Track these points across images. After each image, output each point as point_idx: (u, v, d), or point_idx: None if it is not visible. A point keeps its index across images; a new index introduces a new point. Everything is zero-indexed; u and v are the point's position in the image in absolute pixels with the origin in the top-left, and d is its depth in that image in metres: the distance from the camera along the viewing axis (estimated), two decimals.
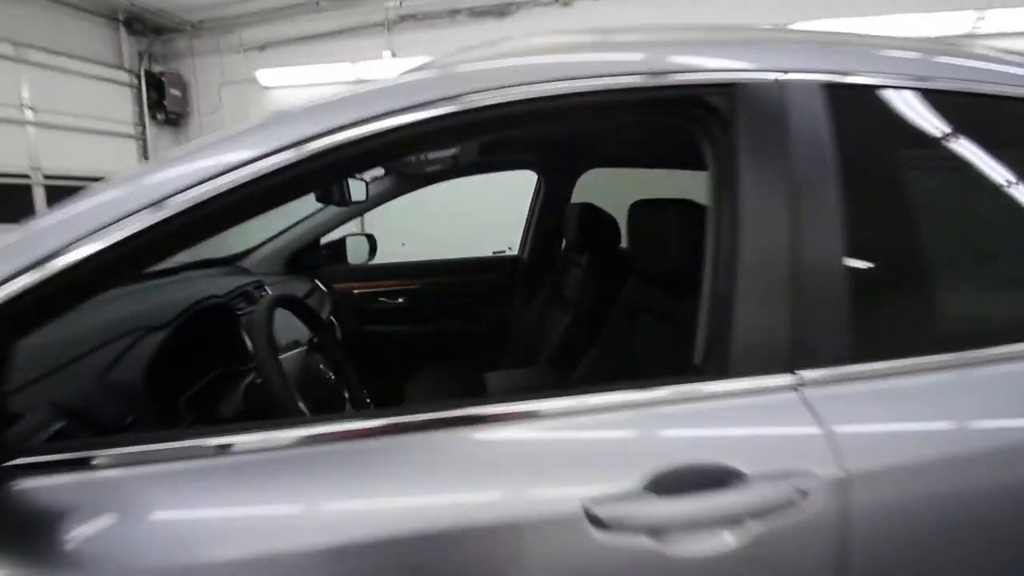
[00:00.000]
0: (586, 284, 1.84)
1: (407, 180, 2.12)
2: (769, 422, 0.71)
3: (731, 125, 0.76)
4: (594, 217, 1.88)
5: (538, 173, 2.30)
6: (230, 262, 2.09)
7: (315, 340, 1.22)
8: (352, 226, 6.01)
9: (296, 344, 1.19)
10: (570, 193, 2.31)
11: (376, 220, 6.08)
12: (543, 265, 2.40)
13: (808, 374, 0.72)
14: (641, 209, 1.16)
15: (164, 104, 5.41)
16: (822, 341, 0.74)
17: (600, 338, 1.47)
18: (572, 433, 0.69)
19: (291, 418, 0.67)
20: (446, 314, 2.43)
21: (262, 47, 5.05)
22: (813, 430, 0.68)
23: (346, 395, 1.16)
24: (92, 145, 5.20)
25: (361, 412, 0.87)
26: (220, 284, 1.47)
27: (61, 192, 5.11)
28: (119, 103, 5.36)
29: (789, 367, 0.72)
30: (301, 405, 0.94)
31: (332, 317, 2.12)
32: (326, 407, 1.05)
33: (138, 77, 5.32)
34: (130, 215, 0.58)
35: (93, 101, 5.11)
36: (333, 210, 2.12)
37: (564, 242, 2.20)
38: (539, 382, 1.66)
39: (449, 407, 0.66)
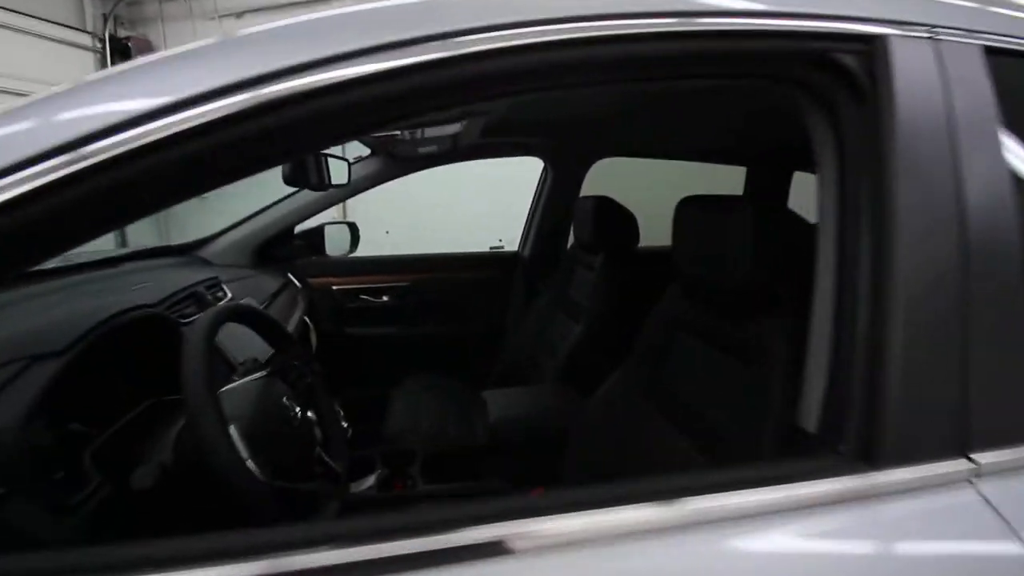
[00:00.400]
0: (600, 289, 1.60)
1: (396, 163, 1.85)
2: (941, 533, 0.48)
3: (872, 95, 0.53)
4: (612, 213, 1.64)
5: (545, 160, 2.03)
6: (185, 251, 1.80)
7: (279, 362, 0.96)
8: (334, 212, 5.69)
9: (255, 366, 0.92)
10: (580, 184, 2.06)
11: (359, 205, 5.79)
12: (546, 264, 2.15)
13: (986, 458, 0.50)
14: (697, 207, 0.92)
15: None
16: (1008, 409, 0.52)
17: (621, 355, 1.23)
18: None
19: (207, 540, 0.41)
20: (436, 316, 2.17)
21: (239, 14, 4.66)
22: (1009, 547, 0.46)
23: (318, 435, 0.91)
24: None
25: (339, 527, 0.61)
26: (163, 281, 1.19)
27: None
28: (81, 69, 4.95)
29: (960, 448, 0.50)
30: (250, 465, 0.69)
31: (307, 318, 1.85)
32: (289, 459, 0.79)
33: (102, 41, 4.89)
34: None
35: (52, 66, 4.68)
36: (310, 193, 1.84)
37: (572, 239, 1.95)
38: (547, 403, 1.42)
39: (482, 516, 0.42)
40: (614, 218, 1.62)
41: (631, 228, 1.65)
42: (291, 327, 1.63)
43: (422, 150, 1.60)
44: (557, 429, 1.30)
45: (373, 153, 1.82)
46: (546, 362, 1.76)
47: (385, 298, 2.10)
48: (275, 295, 1.63)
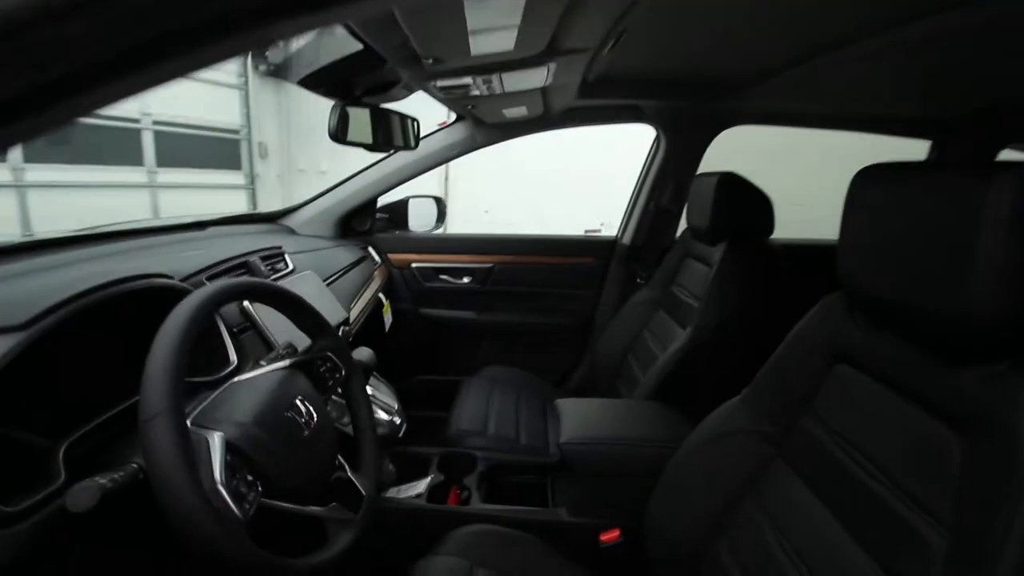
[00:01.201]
0: (716, 289, 1.27)
1: (486, 130, 1.65)
2: None
3: None
4: (740, 193, 1.29)
5: (658, 126, 1.70)
6: (272, 219, 1.77)
7: (310, 352, 0.80)
8: (436, 189, 5.74)
9: (287, 354, 0.77)
10: (699, 157, 1.71)
11: (460, 184, 5.76)
12: (649, 253, 1.83)
13: None
14: (903, 180, 0.60)
15: (266, 55, 5.38)
16: None
17: (738, 377, 0.92)
18: None
19: None
20: (519, 303, 1.96)
21: None
22: None
23: (338, 446, 0.74)
24: (197, 93, 5.33)
25: None
26: (219, 248, 1.11)
27: (167, 138, 5.30)
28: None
29: None
30: (220, 490, 0.53)
31: (381, 295, 1.75)
32: (291, 478, 0.63)
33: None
34: None
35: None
36: (394, 163, 1.71)
37: (685, 225, 1.62)
38: (636, 424, 1.14)
39: None
40: (743, 200, 1.27)
41: (765, 214, 1.29)
42: (361, 302, 1.52)
43: (509, 112, 1.37)
44: (645, 459, 1.03)
45: (459, 119, 1.64)
46: (640, 370, 1.47)
47: (466, 279, 1.93)
48: (347, 268, 1.53)
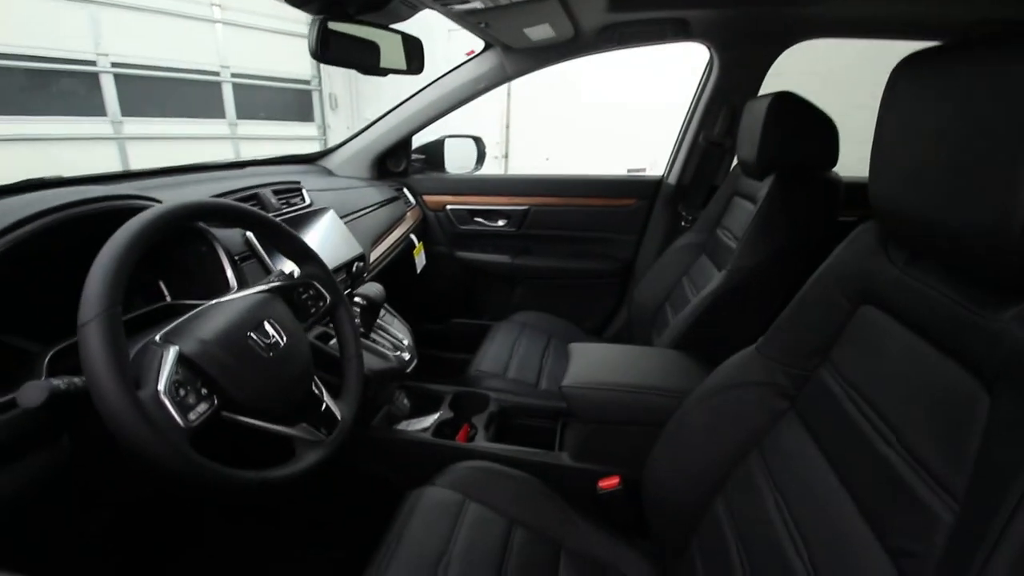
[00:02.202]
0: (755, 228, 1.12)
1: (516, 58, 1.53)
2: None
3: None
4: (795, 117, 1.11)
5: (710, 44, 1.49)
6: (311, 160, 1.80)
7: (294, 279, 0.80)
8: (498, 136, 5.61)
9: (276, 279, 0.78)
10: (760, 80, 1.49)
11: (520, 129, 5.58)
12: (697, 192, 1.67)
13: None
14: (960, 69, 0.46)
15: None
16: None
17: (766, 323, 0.81)
18: None
19: None
20: (555, 247, 1.88)
21: None
22: None
23: (319, 391, 0.74)
24: (271, 43, 5.51)
25: None
26: (234, 181, 1.13)
27: (244, 90, 5.56)
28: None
29: None
30: (163, 399, 0.54)
31: (413, 236, 1.74)
32: (254, 394, 0.63)
33: None
34: None
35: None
36: (425, 101, 1.65)
37: (735, 161, 1.44)
38: (645, 370, 1.06)
39: None
40: (797, 124, 1.09)
41: (824, 142, 1.10)
42: (387, 242, 1.53)
43: (532, 33, 1.25)
44: (652, 408, 0.96)
45: (487, 48, 1.53)
46: (674, 319, 1.37)
47: (501, 222, 1.87)
48: (373, 207, 1.52)
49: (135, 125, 4.60)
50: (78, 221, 0.67)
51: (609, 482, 0.96)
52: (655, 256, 1.71)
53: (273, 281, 0.79)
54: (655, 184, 1.75)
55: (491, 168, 5.65)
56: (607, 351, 1.16)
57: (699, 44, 1.47)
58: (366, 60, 0.92)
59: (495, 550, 0.82)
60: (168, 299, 0.88)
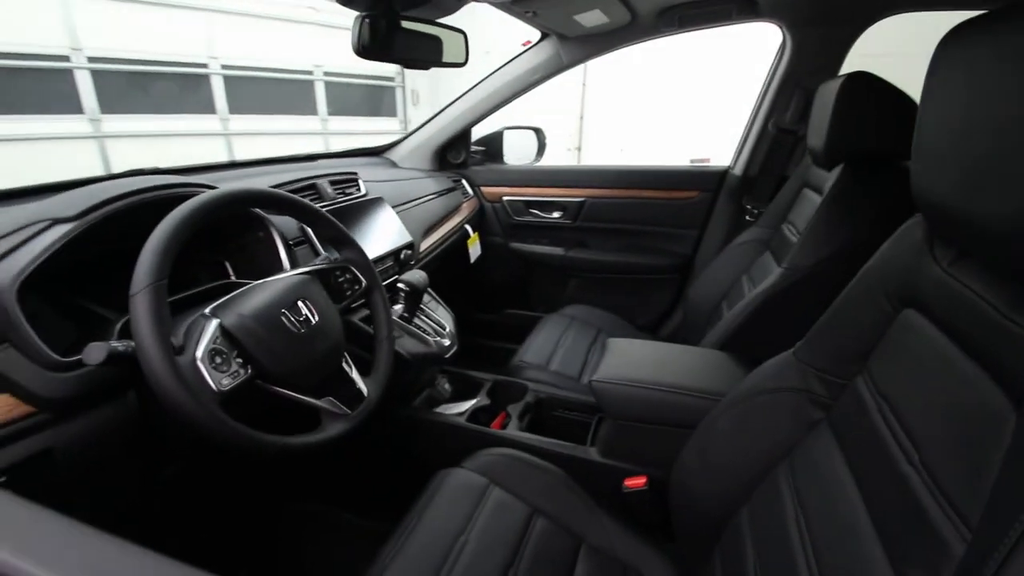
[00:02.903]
0: (819, 221, 1.03)
1: (572, 46, 1.51)
2: None
3: None
4: (870, 99, 1.00)
5: (782, 23, 1.37)
6: (378, 153, 1.89)
7: (331, 263, 0.86)
8: (572, 129, 5.53)
9: (322, 263, 0.85)
10: (839, 60, 1.35)
11: (593, 122, 5.47)
12: (762, 185, 1.55)
13: None
14: None
15: None
16: None
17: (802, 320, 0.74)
18: None
19: None
20: (611, 240, 1.84)
21: None
22: None
23: (349, 368, 0.79)
24: None
25: None
26: (293, 173, 1.21)
27: (337, 88, 5.94)
28: None
29: None
30: (200, 366, 0.61)
31: (468, 226, 1.78)
32: (282, 367, 0.69)
33: None
34: None
35: None
36: (482, 94, 1.68)
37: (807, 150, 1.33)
38: (682, 369, 1.01)
39: None
40: (872, 107, 0.98)
41: (902, 128, 0.98)
42: (440, 232, 1.58)
43: (584, 19, 1.22)
44: (684, 409, 0.92)
45: (543, 37, 1.52)
46: (724, 312, 1.29)
47: (556, 214, 1.86)
48: (428, 198, 1.58)
49: (239, 122, 5.08)
50: (151, 205, 0.77)
51: (635, 481, 0.93)
52: (716, 252, 1.62)
53: (315, 265, 0.85)
54: (719, 175, 1.66)
55: (564, 161, 5.61)
56: (645, 348, 1.12)
57: (769, 24, 1.36)
58: (410, 55, 0.95)
59: (513, 535, 0.83)
60: (232, 277, 0.98)
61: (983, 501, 0.35)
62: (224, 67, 4.88)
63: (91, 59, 3.98)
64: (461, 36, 1.05)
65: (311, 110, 5.89)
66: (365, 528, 1.18)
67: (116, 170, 1.80)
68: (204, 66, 4.76)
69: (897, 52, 1.31)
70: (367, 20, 0.86)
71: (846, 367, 0.63)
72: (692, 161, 1.95)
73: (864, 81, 1.00)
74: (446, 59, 1.04)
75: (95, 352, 0.58)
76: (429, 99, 7.05)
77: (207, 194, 0.68)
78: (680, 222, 1.73)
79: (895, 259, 0.57)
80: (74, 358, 0.63)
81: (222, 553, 1.15)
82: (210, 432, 0.59)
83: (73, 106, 3.97)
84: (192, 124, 4.74)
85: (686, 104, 4.61)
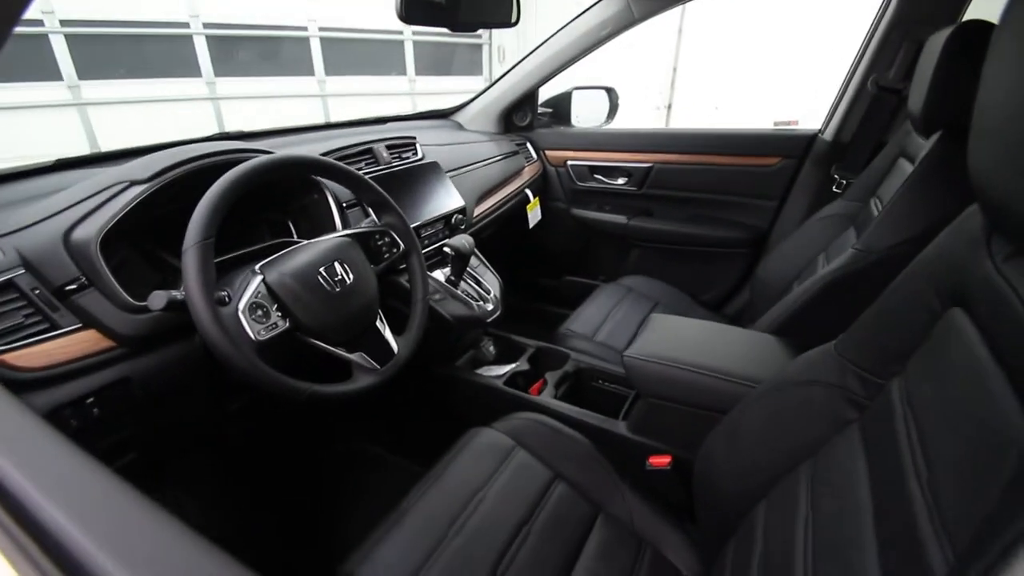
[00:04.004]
0: (906, 199, 0.90)
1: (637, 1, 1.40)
2: None
3: None
4: (980, 55, 0.83)
5: None
6: (445, 116, 1.92)
7: (371, 227, 0.91)
8: (665, 82, 5.18)
9: (364, 227, 0.90)
10: (958, 9, 1.13)
11: (687, 78, 5.06)
12: (857, 152, 1.37)
13: None
14: None
15: None
16: None
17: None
18: None
19: None
20: (678, 209, 1.74)
21: None
22: None
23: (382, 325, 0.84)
24: None
25: None
26: (351, 138, 1.27)
27: (426, 47, 6.00)
28: None
29: None
30: (242, 317, 0.68)
31: (528, 191, 1.77)
32: (316, 322, 0.76)
33: None
34: None
35: None
36: (548, 53, 1.62)
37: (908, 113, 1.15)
38: (723, 352, 0.95)
39: None
40: (979, 63, 0.82)
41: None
42: (497, 196, 1.59)
43: None
44: (718, 393, 0.88)
45: None
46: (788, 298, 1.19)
47: (621, 180, 1.79)
48: (487, 161, 1.58)
49: (334, 83, 5.34)
50: (215, 168, 0.85)
51: (660, 460, 0.92)
52: (796, 226, 1.47)
53: (356, 229, 0.91)
54: (807, 140, 1.49)
55: (651, 122, 5.30)
56: (688, 326, 1.07)
57: None
58: (457, 19, 0.94)
59: (532, 495, 0.86)
60: (295, 236, 1.07)
61: (973, 529, 0.31)
62: (321, 29, 5.11)
63: (206, 25, 4.35)
64: None
65: (401, 70, 6.04)
66: (407, 468, 1.28)
67: (230, 128, 2.00)
68: (304, 29, 5.02)
69: None
70: None
71: (886, 366, 0.57)
72: (776, 124, 1.76)
73: (980, 32, 0.84)
74: (498, 19, 1.02)
75: (157, 299, 0.67)
76: (515, 56, 6.93)
77: (250, 162, 0.74)
78: (757, 192, 1.59)
79: (950, 250, 0.49)
80: (145, 303, 0.73)
81: (281, 477, 1.31)
82: (245, 375, 0.66)
83: (194, 70, 4.40)
84: (291, 86, 5.06)
85: (791, 58, 4.11)
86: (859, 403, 0.60)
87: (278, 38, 4.93)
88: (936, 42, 0.91)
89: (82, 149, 3.93)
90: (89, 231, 0.70)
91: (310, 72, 5.16)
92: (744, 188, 1.61)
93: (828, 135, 1.43)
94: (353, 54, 5.45)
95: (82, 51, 3.83)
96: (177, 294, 0.68)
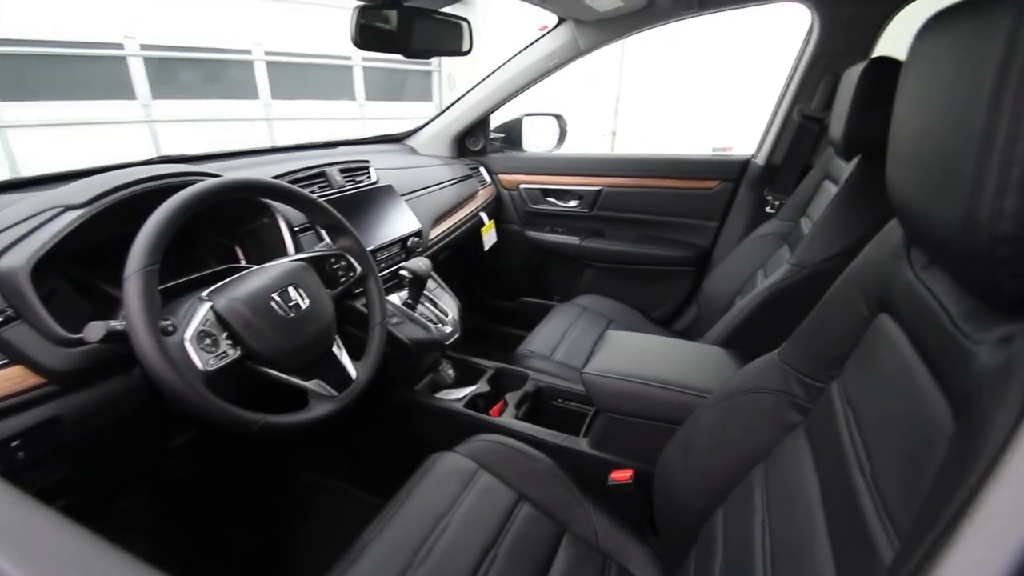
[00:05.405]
0: (832, 217, 0.99)
1: (588, 31, 1.47)
2: None
3: None
4: (891, 86, 0.93)
5: (808, 3, 1.29)
6: (399, 140, 1.92)
7: (325, 250, 0.89)
8: (606, 108, 5.40)
9: (319, 250, 0.88)
10: (869, 46, 1.26)
11: (630, 108, 5.33)
12: (785, 175, 1.49)
13: None
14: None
15: None
16: None
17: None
18: None
19: None
20: (627, 230, 1.81)
21: None
22: None
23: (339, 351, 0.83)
24: None
25: None
26: (302, 161, 1.25)
27: (375, 73, 6.01)
28: None
29: None
30: (188, 346, 0.65)
31: (483, 214, 1.79)
32: (270, 350, 0.73)
33: None
34: None
35: None
36: (499, 81, 1.67)
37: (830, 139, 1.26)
38: (676, 365, 0.99)
39: None
40: (890, 93, 0.92)
41: None
42: (452, 219, 1.59)
43: (596, 4, 1.19)
44: (673, 405, 0.91)
45: (560, 23, 1.49)
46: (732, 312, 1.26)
47: (573, 203, 1.85)
48: (441, 185, 1.59)
49: (281, 107, 5.25)
50: (157, 192, 0.81)
51: (621, 475, 0.93)
52: (735, 244, 1.57)
53: (310, 252, 0.89)
54: (742, 164, 1.59)
55: (599, 146, 5.50)
56: (642, 341, 1.11)
57: (796, 4, 1.29)
58: (411, 45, 0.95)
59: (497, 518, 0.85)
60: (243, 261, 1.03)
61: (914, 512, 0.34)
62: (267, 53, 5.03)
63: (143, 47, 4.19)
64: (465, 24, 1.04)
65: (350, 95, 6.01)
66: (367, 502, 1.23)
67: (168, 152, 1.91)
68: (248, 52, 4.92)
69: None
70: (366, 10, 0.87)
71: (825, 370, 0.61)
72: (714, 150, 1.88)
73: (889, 66, 0.94)
74: (450, 48, 1.04)
75: (94, 330, 0.63)
76: (465, 84, 7.06)
77: (199, 185, 0.72)
78: (699, 213, 1.69)
79: (875, 262, 0.55)
80: (80, 335, 0.68)
81: (230, 516, 1.23)
82: (193, 408, 0.63)
83: (127, 92, 4.20)
84: (234, 109, 4.93)
85: (717, 89, 4.42)
86: (803, 407, 0.64)
87: (223, 61, 4.81)
88: (852, 75, 1.01)
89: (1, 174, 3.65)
90: (18, 259, 0.65)
91: (256, 96, 5.05)
92: (687, 209, 1.70)
93: (760, 160, 1.54)
94: (301, 78, 5.39)
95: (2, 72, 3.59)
96: (116, 324, 0.64)
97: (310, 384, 0.78)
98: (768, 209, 1.53)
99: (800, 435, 0.62)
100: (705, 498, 0.73)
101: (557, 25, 1.50)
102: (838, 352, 0.59)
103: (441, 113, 1.86)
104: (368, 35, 0.89)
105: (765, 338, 1.01)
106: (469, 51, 1.09)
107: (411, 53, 0.95)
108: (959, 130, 0.33)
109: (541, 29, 1.53)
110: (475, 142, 1.90)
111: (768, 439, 0.67)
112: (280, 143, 1.58)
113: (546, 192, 1.87)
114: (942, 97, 0.36)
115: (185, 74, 4.58)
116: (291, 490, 1.29)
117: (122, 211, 0.76)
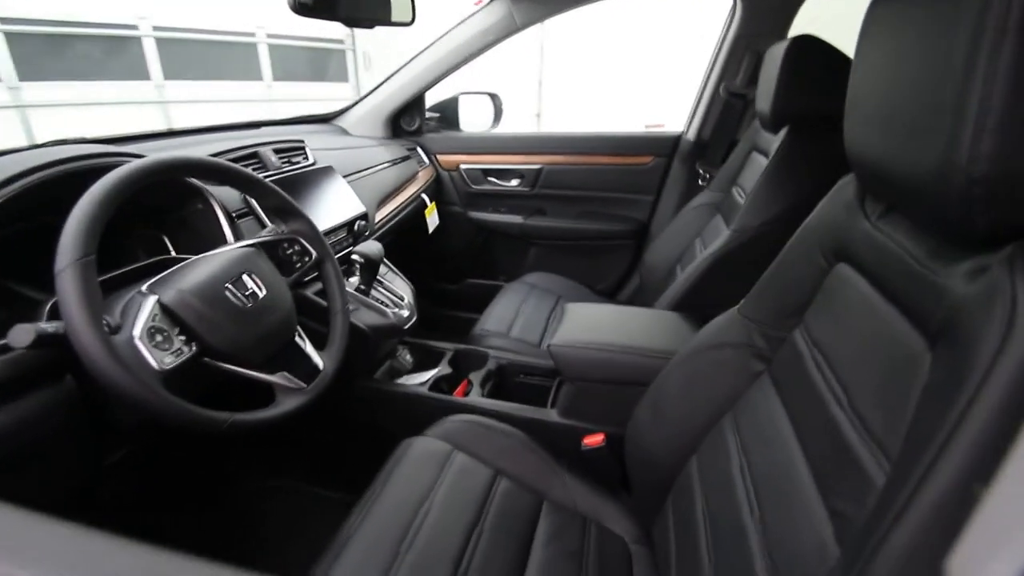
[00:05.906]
0: (765, 182, 1.07)
1: (523, 7, 1.46)
2: None
3: None
4: (814, 62, 1.02)
5: None
6: (327, 120, 1.81)
7: (277, 235, 0.83)
8: (530, 90, 5.43)
9: (268, 235, 0.81)
10: (786, 25, 1.37)
11: (553, 90, 5.40)
12: (714, 149, 1.58)
13: None
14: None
15: None
16: None
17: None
18: None
19: None
20: (569, 207, 1.85)
21: None
22: None
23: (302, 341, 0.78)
24: None
25: None
26: (237, 141, 1.15)
27: (282, 51, 5.59)
28: None
29: None
30: (138, 344, 0.58)
31: (425, 195, 1.75)
32: (228, 344, 0.67)
33: None
34: None
35: None
36: (433, 57, 1.62)
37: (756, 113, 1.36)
38: (636, 331, 1.04)
39: None
40: (816, 70, 1.01)
41: (844, 90, 1.01)
42: (395, 201, 1.54)
43: None
44: (638, 368, 0.95)
45: None
46: (678, 275, 1.33)
47: (514, 182, 1.85)
48: (381, 166, 1.53)
49: (175, 88, 4.75)
50: (76, 176, 0.71)
51: (594, 439, 0.97)
52: (671, 217, 1.65)
53: (260, 237, 0.82)
54: (673, 140, 1.67)
55: (526, 127, 5.54)
56: (601, 312, 1.14)
57: None
58: (354, 13, 0.90)
59: (477, 497, 0.85)
60: (172, 253, 0.93)
61: (902, 435, 0.38)
62: (156, 28, 4.51)
63: (2, 19, 3.60)
64: None
65: (255, 75, 5.56)
66: (332, 500, 1.18)
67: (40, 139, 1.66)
68: (134, 28, 4.39)
69: (844, 15, 1.34)
70: None
71: (785, 321, 0.66)
72: (647, 127, 1.96)
73: (809, 44, 1.02)
74: (394, 18, 1.00)
75: (21, 335, 0.54)
76: (381, 63, 6.77)
77: (134, 163, 0.64)
78: (636, 188, 1.75)
79: (830, 216, 0.60)
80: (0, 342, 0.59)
81: (180, 534, 1.13)
82: (153, 411, 0.57)
83: None
84: (122, 91, 4.39)
85: (644, 68, 4.60)
86: (765, 356, 0.69)
87: (105, 37, 4.25)
88: (775, 53, 1.08)
89: None
90: None
91: (147, 76, 4.53)
92: (625, 185, 1.76)
93: (691, 135, 1.63)
94: (198, 56, 4.89)
95: None
96: (47, 326, 0.56)
97: (276, 378, 0.73)
98: (700, 182, 1.62)
99: (765, 381, 0.67)
100: (677, 451, 0.78)
101: (491, 1, 1.48)
102: (797, 303, 0.64)
103: (372, 91, 1.78)
104: (309, 1, 0.83)
105: (714, 300, 1.08)
106: (412, 22, 1.05)
107: (351, 22, 0.89)
108: (934, 86, 0.36)
109: (476, 3, 1.50)
110: (410, 122, 1.84)
111: (734, 390, 0.72)
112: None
113: (487, 172, 1.86)
114: (912, 57, 0.40)
115: (63, 52, 4.00)
116: (247, 498, 1.21)
117: (37, 198, 0.66)
